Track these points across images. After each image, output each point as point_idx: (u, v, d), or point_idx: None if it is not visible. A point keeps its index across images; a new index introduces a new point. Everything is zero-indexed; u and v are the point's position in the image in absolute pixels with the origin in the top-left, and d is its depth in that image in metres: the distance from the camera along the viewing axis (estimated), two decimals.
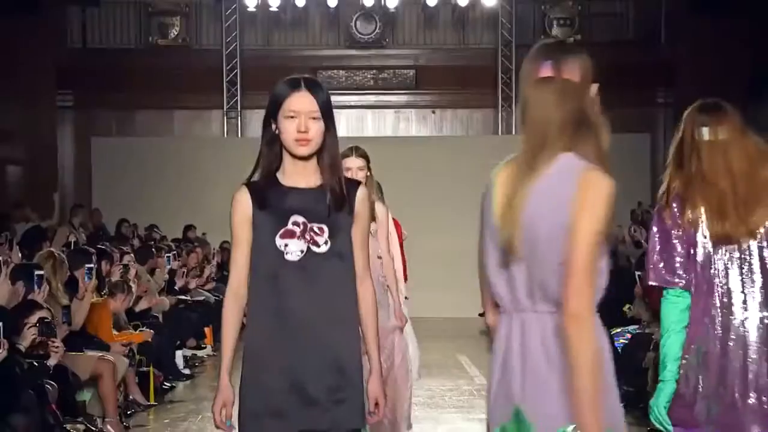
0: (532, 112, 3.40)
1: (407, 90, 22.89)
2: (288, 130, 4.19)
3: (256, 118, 21.83)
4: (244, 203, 4.25)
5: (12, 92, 20.44)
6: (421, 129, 23.06)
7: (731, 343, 4.50)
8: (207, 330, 15.59)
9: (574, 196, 3.25)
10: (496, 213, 3.37)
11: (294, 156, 4.23)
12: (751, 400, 4.47)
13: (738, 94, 20.50)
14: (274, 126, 4.25)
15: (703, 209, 4.50)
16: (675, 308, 4.56)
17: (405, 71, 22.86)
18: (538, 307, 3.33)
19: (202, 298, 16.10)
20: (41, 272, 8.86)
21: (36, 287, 8.61)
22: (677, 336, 4.55)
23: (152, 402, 11.23)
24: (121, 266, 11.99)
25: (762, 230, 4.49)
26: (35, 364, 8.12)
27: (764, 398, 4.48)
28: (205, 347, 15.22)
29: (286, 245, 4.18)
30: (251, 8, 22.18)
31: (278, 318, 4.19)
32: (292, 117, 4.23)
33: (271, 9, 22.19)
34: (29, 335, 8.13)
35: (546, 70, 3.41)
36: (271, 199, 4.23)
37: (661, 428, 4.66)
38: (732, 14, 20.67)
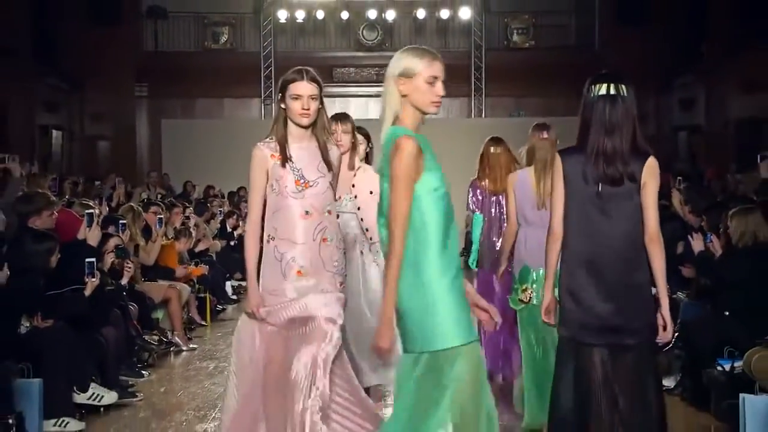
0: None
1: None
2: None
3: None
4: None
5: (102, 85, 20.44)
6: None
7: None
8: None
9: None
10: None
11: None
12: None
13: (652, 88, 20.50)
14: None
15: (487, 180, 7.39)
16: (478, 221, 7.34)
17: None
18: None
19: None
20: (124, 221, 8.90)
21: (120, 232, 8.64)
22: (479, 230, 7.33)
23: (208, 320, 11.31)
24: (183, 216, 12.01)
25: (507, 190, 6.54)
26: (114, 284, 8.12)
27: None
28: None
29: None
30: (282, 20, 22.15)
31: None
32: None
33: (297, 21, 22.19)
34: (108, 259, 8.14)
35: None
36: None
37: (473, 269, 7.43)
38: (650, 25, 20.59)
